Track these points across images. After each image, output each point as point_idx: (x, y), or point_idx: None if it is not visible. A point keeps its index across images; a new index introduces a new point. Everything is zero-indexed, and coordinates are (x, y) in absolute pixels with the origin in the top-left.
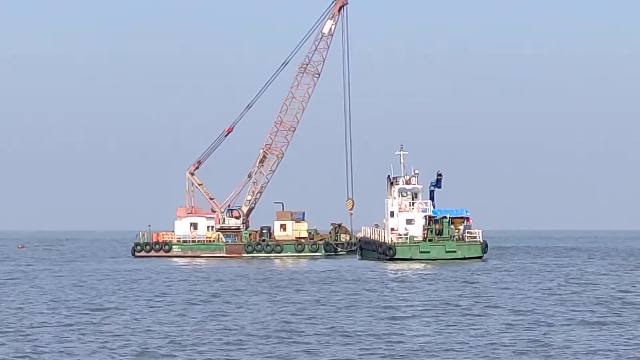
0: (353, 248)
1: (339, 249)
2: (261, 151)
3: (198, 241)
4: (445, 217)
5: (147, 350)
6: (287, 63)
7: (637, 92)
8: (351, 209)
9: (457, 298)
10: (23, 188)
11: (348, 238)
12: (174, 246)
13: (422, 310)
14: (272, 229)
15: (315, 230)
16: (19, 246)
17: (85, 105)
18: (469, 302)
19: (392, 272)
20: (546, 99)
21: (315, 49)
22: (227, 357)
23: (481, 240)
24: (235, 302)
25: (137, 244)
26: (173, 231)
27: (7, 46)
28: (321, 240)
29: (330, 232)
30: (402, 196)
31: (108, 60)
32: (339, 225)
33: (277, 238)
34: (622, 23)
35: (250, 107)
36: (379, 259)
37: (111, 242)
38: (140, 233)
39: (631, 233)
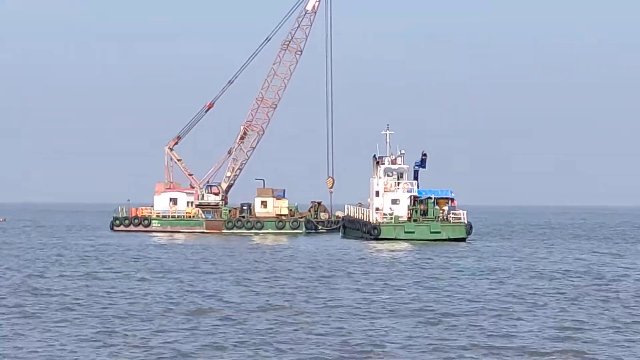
0: (333, 226)
1: (320, 227)
2: (242, 127)
3: (177, 216)
4: (430, 198)
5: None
6: (269, 39)
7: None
8: (331, 187)
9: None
10: (3, 159)
11: (327, 216)
12: (153, 221)
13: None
14: (252, 205)
15: (296, 208)
16: (1, 219)
17: (68, 78)
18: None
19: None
20: (533, 80)
21: (298, 26)
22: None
23: (466, 222)
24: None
25: (115, 218)
26: (152, 206)
27: None
28: (301, 218)
29: (309, 210)
30: (388, 176)
31: (91, 37)
32: (319, 203)
33: (257, 215)
34: None
35: (232, 82)
36: (362, 238)
37: (92, 215)
38: (119, 207)
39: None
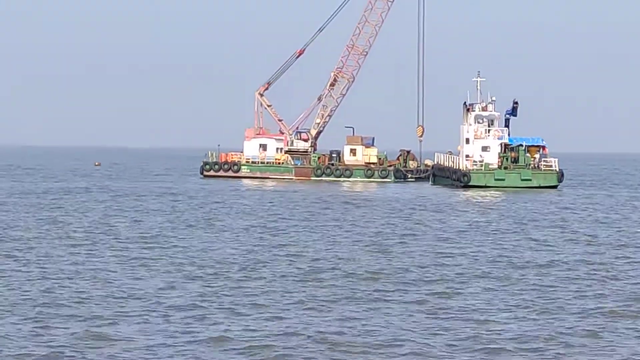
0: (422, 175)
1: (409, 176)
2: (332, 74)
3: (267, 162)
4: (521, 145)
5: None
6: None
7: None
8: (421, 136)
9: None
10: (102, 105)
11: (415, 165)
12: (242, 167)
13: None
14: (341, 153)
15: (385, 156)
16: (96, 164)
17: (163, 28)
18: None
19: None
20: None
21: None
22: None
23: (557, 169)
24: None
25: (205, 163)
26: (242, 152)
27: None
28: (390, 166)
29: (398, 158)
30: (478, 123)
31: None
32: (408, 152)
33: (346, 162)
34: None
35: (322, 30)
36: (452, 185)
37: (183, 160)
38: (209, 152)
39: None
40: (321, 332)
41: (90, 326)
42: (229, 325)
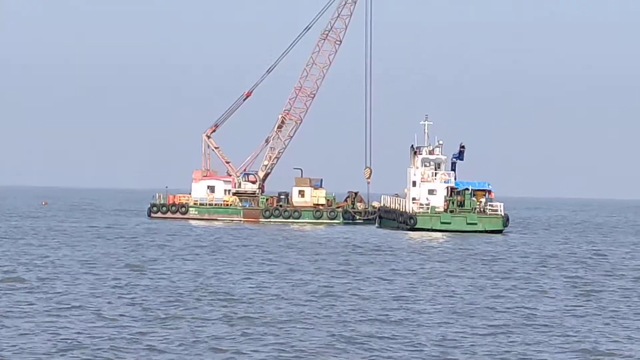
0: (370, 217)
1: (357, 217)
2: (280, 116)
3: (215, 204)
4: (467, 189)
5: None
6: (309, 28)
7: None
8: (369, 178)
9: None
10: (47, 145)
11: (363, 206)
12: (190, 208)
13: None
14: (290, 195)
15: (333, 198)
16: (43, 203)
17: (109, 67)
18: None
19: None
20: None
21: (338, 16)
22: None
23: (502, 214)
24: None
25: (153, 205)
26: (190, 193)
27: None
28: (339, 207)
29: (346, 200)
30: (425, 166)
31: (130, 17)
32: (355, 193)
33: (295, 204)
34: None
35: (270, 71)
36: (398, 228)
37: (129, 202)
38: (157, 194)
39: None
40: None
41: None
42: None
